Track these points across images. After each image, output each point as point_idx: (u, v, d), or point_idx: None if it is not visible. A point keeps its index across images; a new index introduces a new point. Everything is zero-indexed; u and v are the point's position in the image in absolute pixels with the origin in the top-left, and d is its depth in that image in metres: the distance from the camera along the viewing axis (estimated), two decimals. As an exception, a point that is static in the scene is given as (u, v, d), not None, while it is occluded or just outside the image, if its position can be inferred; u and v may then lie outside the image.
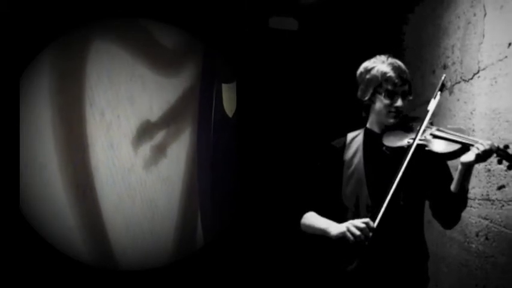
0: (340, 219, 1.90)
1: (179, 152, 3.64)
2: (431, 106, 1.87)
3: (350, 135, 2.01)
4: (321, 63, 3.80)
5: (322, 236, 1.85)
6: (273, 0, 3.60)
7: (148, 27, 3.39)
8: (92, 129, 3.06)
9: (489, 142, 1.67)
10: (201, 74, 3.74)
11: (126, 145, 3.28)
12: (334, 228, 1.78)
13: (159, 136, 3.49)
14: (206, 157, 3.72)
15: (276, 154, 3.84)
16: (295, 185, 2.12)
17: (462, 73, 2.58)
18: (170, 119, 3.57)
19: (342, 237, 1.72)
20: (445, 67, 2.79)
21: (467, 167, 1.73)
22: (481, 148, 1.66)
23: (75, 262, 2.86)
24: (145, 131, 3.38)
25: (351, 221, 1.73)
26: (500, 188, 2.23)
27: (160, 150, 3.49)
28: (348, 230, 1.71)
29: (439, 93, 1.89)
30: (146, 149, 3.40)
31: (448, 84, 2.74)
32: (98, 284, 2.96)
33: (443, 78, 1.93)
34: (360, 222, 1.70)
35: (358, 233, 1.69)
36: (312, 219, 1.93)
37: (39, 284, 2.70)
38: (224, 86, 3.76)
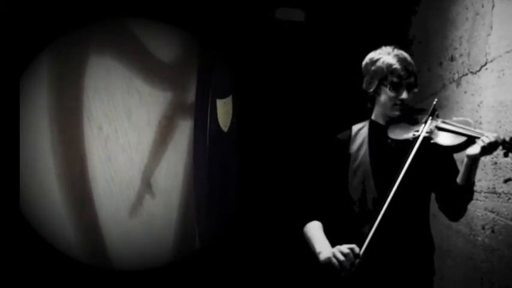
0: (347, 213, 1.90)
1: (177, 164, 3.68)
2: (422, 131, 1.81)
3: (355, 128, 2.00)
4: (328, 54, 3.79)
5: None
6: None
7: (144, 40, 3.40)
8: (89, 143, 3.07)
9: (495, 134, 1.66)
10: (196, 87, 3.77)
11: (124, 158, 3.29)
12: (323, 254, 1.78)
13: (157, 150, 3.52)
14: (203, 168, 3.74)
15: (281, 150, 3.86)
16: (301, 180, 2.11)
17: (470, 65, 2.56)
18: (167, 132, 3.58)
19: (328, 262, 1.72)
20: (452, 59, 2.77)
21: (473, 160, 1.71)
22: (487, 140, 1.64)
23: (74, 262, 2.88)
24: (142, 145, 3.41)
25: (337, 247, 1.73)
26: (506, 181, 2.22)
27: (157, 163, 3.50)
28: (334, 256, 1.70)
29: (430, 118, 1.84)
30: (144, 161, 3.42)
31: (456, 76, 2.72)
32: (98, 284, 2.97)
33: (434, 103, 1.87)
34: (345, 248, 1.70)
35: (342, 258, 1.68)
36: (312, 233, 1.91)
37: (39, 284, 2.71)
38: (219, 101, 3.78)
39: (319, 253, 1.80)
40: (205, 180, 3.71)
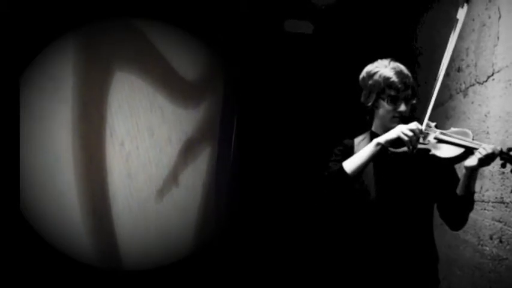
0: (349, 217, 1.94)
1: (195, 182, 3.73)
2: (460, 16, 1.86)
3: (357, 140, 2.04)
4: (336, 66, 3.82)
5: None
6: (288, 3, 3.63)
7: (168, 57, 3.45)
8: (111, 158, 3.13)
9: (492, 146, 1.67)
10: (222, 106, 3.83)
11: (144, 175, 3.35)
12: (383, 136, 1.82)
13: (177, 167, 3.57)
14: (224, 188, 3.80)
15: (288, 156, 3.89)
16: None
17: (477, 76, 2.57)
18: (188, 151, 3.64)
19: (396, 138, 1.77)
20: (459, 70, 2.77)
21: (472, 171, 1.73)
22: (484, 152, 1.66)
23: (76, 263, 2.92)
24: (162, 162, 3.46)
25: (400, 125, 1.80)
26: (514, 190, 2.21)
27: (176, 182, 3.56)
28: (402, 132, 1.76)
29: (465, 4, 1.87)
30: (163, 180, 3.47)
31: (463, 87, 2.73)
32: (101, 285, 3.02)
33: None
34: (411, 124, 1.78)
35: (411, 133, 1.75)
36: (352, 158, 1.88)
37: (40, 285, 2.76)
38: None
39: (377, 140, 1.82)
40: (226, 199, 3.78)
